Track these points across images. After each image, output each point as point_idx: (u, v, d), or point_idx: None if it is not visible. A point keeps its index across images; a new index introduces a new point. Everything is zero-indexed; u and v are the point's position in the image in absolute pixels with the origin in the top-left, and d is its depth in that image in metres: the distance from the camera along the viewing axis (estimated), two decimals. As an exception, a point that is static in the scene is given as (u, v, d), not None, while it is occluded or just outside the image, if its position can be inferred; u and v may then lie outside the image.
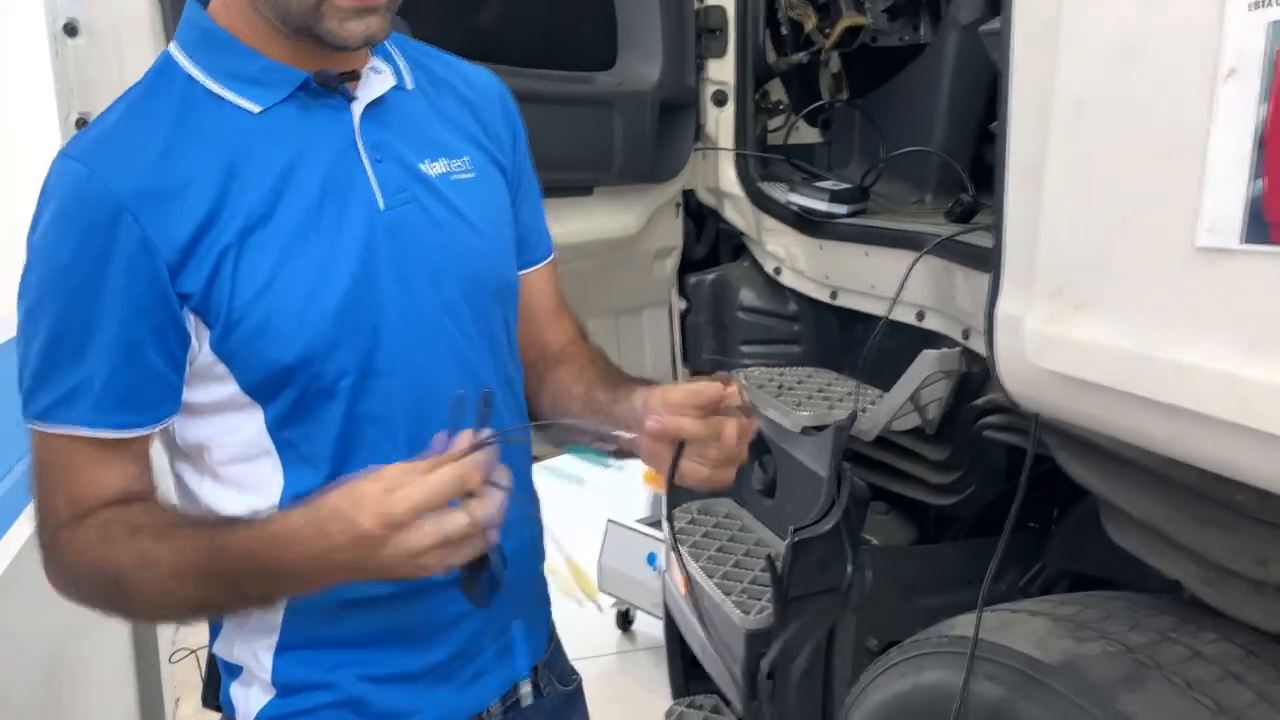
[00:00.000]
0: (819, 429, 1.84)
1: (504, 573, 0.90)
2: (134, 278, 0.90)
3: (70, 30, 1.42)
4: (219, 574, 0.88)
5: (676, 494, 2.36)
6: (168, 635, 3.07)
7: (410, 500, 0.82)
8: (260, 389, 0.95)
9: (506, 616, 1.10)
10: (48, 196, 0.92)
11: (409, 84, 1.06)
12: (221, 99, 0.96)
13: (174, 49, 0.98)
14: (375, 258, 0.97)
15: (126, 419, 0.93)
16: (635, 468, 4.07)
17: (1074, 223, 1.00)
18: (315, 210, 0.95)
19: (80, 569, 0.93)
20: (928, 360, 1.65)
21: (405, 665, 1.03)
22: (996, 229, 1.16)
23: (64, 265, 0.91)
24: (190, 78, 0.96)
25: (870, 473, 1.93)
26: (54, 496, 0.94)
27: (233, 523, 0.91)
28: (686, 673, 2.37)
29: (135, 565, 0.90)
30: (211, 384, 0.95)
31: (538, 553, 1.19)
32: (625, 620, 3.64)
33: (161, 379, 0.94)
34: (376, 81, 1.02)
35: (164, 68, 0.98)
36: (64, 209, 0.91)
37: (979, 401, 1.58)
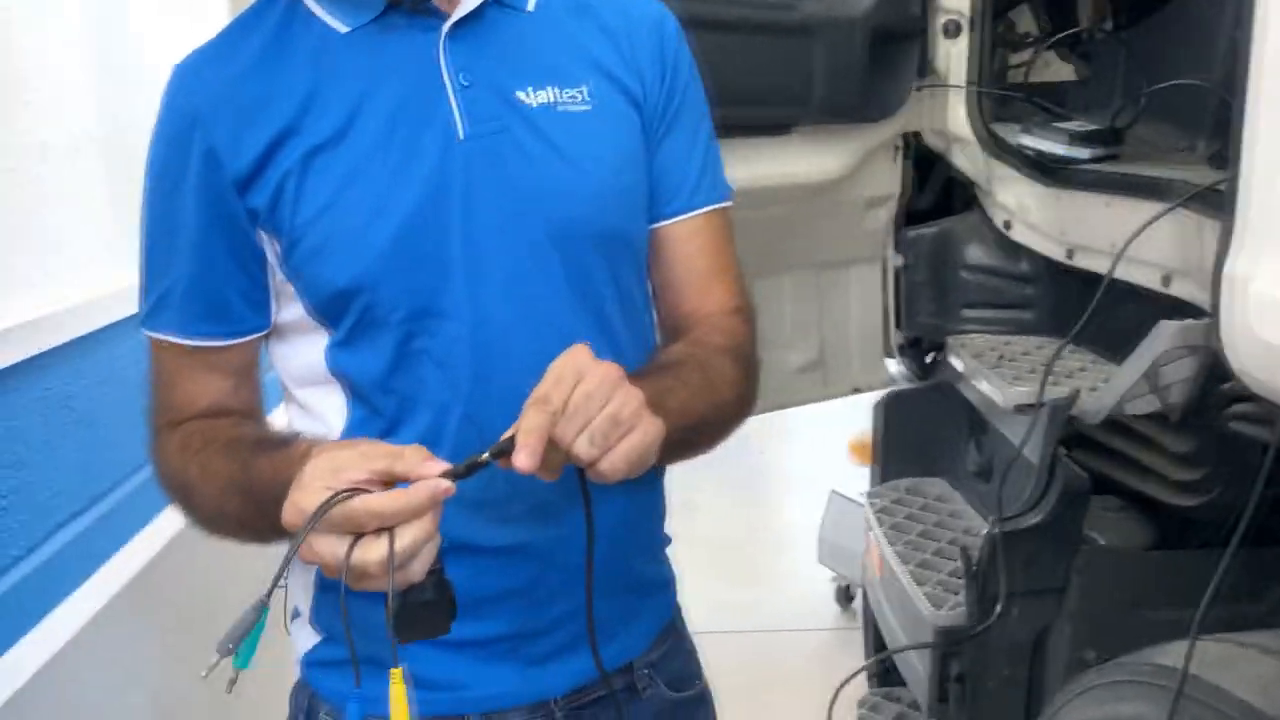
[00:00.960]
0: (1033, 407, 1.60)
1: (443, 609, 0.79)
2: (205, 189, 0.90)
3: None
4: (248, 491, 0.86)
5: (886, 468, 2.17)
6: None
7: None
8: (323, 312, 0.93)
9: (585, 600, 0.97)
10: (160, 103, 0.94)
11: (531, 4, 0.97)
12: (316, 18, 0.93)
13: None
14: (447, 190, 0.90)
15: (209, 329, 0.94)
16: (844, 435, 3.85)
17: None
18: (386, 136, 0.90)
19: (164, 474, 0.96)
20: (1166, 333, 1.37)
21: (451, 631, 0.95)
22: (1231, 168, 0.91)
23: (156, 174, 0.93)
24: None
25: (1103, 461, 1.66)
26: (155, 402, 0.98)
27: (269, 443, 0.89)
28: (886, 662, 2.19)
29: (199, 476, 0.91)
30: (285, 303, 0.95)
31: (641, 535, 1.06)
32: (845, 596, 3.45)
33: (241, 292, 0.94)
34: (470, 4, 0.93)
35: None
36: (160, 119, 0.93)
37: (1226, 386, 1.29)
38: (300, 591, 1.01)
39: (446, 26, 0.92)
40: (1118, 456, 1.67)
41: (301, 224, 0.89)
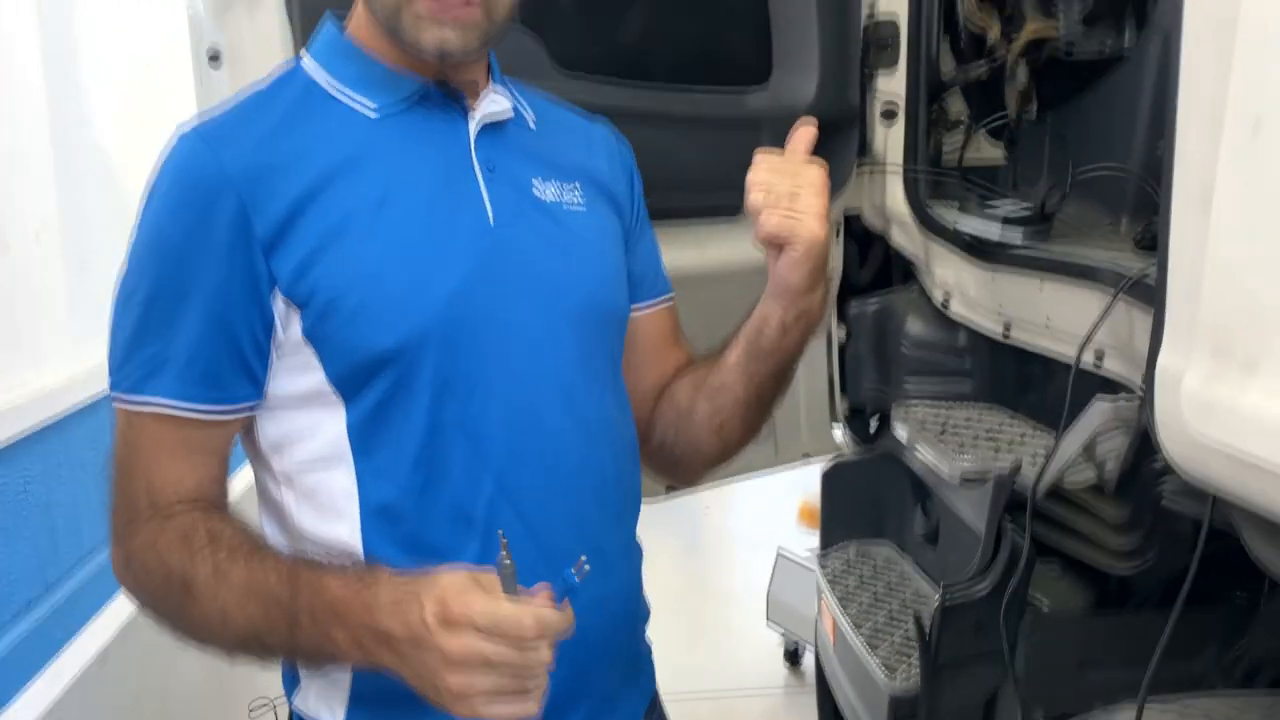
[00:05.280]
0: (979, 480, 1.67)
1: None
2: (231, 252, 0.88)
3: (214, 58, 1.46)
4: (285, 604, 0.84)
5: (832, 534, 2.22)
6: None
7: (475, 608, 0.78)
8: (347, 380, 0.91)
9: (594, 681, 1.00)
10: (162, 170, 0.92)
11: (531, 123, 1.07)
12: (340, 101, 0.97)
13: (304, 56, 1.01)
14: (484, 268, 0.95)
15: (208, 394, 0.90)
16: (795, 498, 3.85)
17: (1246, 262, 0.82)
18: (426, 212, 0.94)
19: (154, 568, 0.89)
20: (1101, 411, 1.45)
21: None
22: (1160, 265, 0.98)
23: (165, 234, 0.90)
24: (312, 81, 0.98)
25: (1044, 528, 1.73)
26: (133, 484, 0.91)
27: (319, 563, 0.87)
28: (839, 724, 2.22)
29: (210, 577, 0.86)
30: (298, 373, 0.92)
31: (632, 612, 1.08)
32: (794, 657, 3.48)
33: (244, 361, 0.91)
34: (496, 105, 1.01)
35: (290, 72, 1.00)
36: (175, 180, 0.91)
37: (1158, 463, 1.37)
38: (322, 705, 0.97)
39: (476, 124, 0.98)
40: (1056, 523, 1.74)
41: (340, 286, 0.89)
